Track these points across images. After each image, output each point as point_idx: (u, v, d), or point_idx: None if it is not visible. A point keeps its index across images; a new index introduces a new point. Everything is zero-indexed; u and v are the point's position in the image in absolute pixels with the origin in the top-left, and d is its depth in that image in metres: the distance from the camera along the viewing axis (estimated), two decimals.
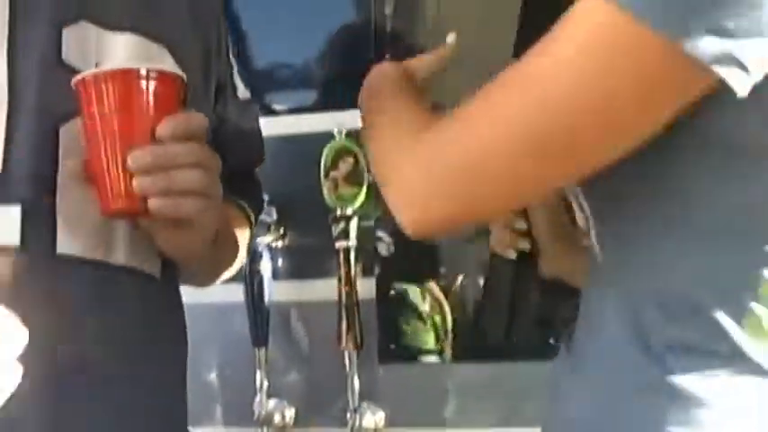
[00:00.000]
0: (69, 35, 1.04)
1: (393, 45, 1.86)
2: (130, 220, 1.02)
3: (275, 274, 1.88)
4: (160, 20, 1.13)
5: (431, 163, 0.83)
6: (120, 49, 1.07)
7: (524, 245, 1.11)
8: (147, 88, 0.96)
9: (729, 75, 0.73)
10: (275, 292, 1.88)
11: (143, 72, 0.97)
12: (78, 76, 0.99)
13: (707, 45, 0.72)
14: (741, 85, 0.74)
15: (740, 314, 0.80)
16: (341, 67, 1.92)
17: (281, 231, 1.88)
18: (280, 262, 1.92)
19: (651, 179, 0.82)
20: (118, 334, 1.04)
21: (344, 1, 2.01)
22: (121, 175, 0.95)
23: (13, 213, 0.98)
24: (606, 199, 0.87)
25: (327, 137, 1.79)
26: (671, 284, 0.82)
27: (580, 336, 0.92)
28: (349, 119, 1.73)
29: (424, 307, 1.84)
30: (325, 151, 1.74)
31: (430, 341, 1.85)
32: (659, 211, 0.83)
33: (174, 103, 0.98)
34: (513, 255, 1.12)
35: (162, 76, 0.97)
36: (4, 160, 0.97)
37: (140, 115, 0.95)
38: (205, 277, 1.26)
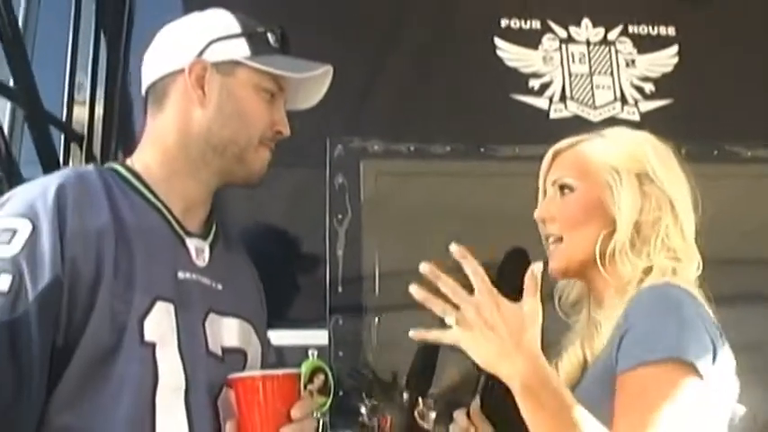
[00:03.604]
0: (207, 328, 1.53)
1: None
2: None
3: None
4: (246, 306, 1.66)
5: None
6: (231, 330, 1.58)
7: None
8: (285, 385, 1.48)
9: None
10: None
11: (280, 374, 1.49)
12: (236, 376, 1.48)
13: None
14: None
15: None
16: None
17: None
18: None
19: None
20: None
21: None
22: None
23: None
24: None
25: (299, 349, 2.36)
26: None
27: None
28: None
29: None
30: (303, 368, 2.29)
31: None
32: None
33: (298, 391, 1.50)
34: None
35: (290, 376, 1.50)
36: (189, 428, 1.44)
37: (282, 402, 1.46)
38: None
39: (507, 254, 2.01)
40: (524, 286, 1.38)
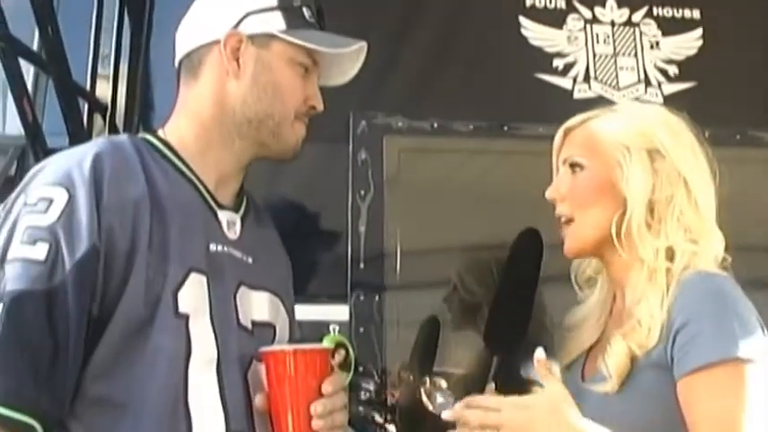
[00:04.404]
0: (238, 301, 1.53)
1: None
2: None
3: None
4: (275, 280, 1.65)
5: None
6: (261, 304, 1.58)
7: None
8: (316, 359, 1.47)
9: None
10: None
11: (311, 348, 1.49)
12: (267, 349, 1.48)
13: None
14: None
15: None
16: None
17: None
18: None
19: None
20: None
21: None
22: (303, 417, 1.44)
23: None
24: None
25: (319, 324, 2.36)
26: None
27: None
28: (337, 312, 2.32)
29: None
30: (325, 343, 2.29)
31: None
32: None
33: (328, 366, 1.49)
34: None
35: (322, 351, 1.50)
36: (221, 400, 1.44)
37: (313, 376, 1.46)
38: None
39: (519, 235, 1.99)
40: (539, 375, 1.43)
